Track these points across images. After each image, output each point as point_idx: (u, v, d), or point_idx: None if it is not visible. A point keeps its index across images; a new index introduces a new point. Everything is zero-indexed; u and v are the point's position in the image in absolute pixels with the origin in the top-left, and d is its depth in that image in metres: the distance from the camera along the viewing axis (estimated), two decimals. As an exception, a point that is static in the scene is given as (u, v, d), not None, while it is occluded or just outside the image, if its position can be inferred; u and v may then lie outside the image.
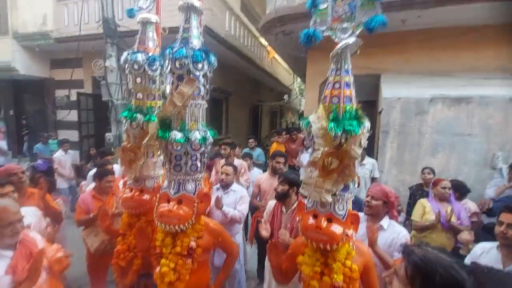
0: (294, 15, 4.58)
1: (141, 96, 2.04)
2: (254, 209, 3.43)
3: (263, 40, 9.90)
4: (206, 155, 1.78)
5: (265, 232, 2.04)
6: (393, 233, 1.95)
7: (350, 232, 1.40)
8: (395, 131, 4.17)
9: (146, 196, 2.03)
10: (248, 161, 4.24)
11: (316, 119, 1.38)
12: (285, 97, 12.83)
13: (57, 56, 7.69)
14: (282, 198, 2.31)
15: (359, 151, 1.32)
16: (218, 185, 2.98)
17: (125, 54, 2.00)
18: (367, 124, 1.33)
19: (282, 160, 3.31)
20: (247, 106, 11.24)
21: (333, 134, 1.30)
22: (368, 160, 4.05)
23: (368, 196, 2.04)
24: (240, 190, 2.96)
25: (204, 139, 1.66)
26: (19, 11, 7.06)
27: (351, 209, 1.45)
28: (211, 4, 5.99)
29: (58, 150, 5.78)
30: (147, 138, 1.77)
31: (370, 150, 4.48)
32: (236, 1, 8.01)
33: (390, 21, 1.25)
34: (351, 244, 1.46)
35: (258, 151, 5.67)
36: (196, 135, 1.63)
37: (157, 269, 1.68)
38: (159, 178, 2.17)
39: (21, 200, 2.41)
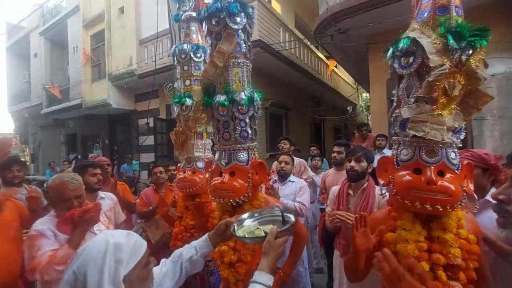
0: (348, 10, 4.38)
1: (188, 83, 2.18)
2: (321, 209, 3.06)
3: (321, 55, 9.85)
4: (256, 121, 1.65)
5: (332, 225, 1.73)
6: None
7: (469, 190, 1.02)
8: (493, 116, 3.34)
9: (199, 177, 2.05)
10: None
11: (420, 34, 1.04)
12: (349, 108, 12.05)
13: (139, 91, 9.05)
14: (361, 176, 1.93)
15: (486, 69, 0.99)
16: (276, 177, 2.77)
17: (173, 47, 2.25)
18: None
19: (341, 149, 2.90)
20: (308, 122, 10.94)
21: (455, 47, 0.97)
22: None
23: None
24: (299, 181, 2.69)
25: (251, 99, 1.52)
26: (113, 57, 8.68)
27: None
28: (265, 21, 6.25)
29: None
30: (193, 109, 1.75)
31: (464, 142, 3.66)
32: (290, 19, 8.25)
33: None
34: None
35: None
36: (242, 96, 1.50)
37: (216, 248, 1.53)
38: None
39: (104, 187, 2.70)
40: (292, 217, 1.12)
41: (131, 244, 0.82)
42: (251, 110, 1.55)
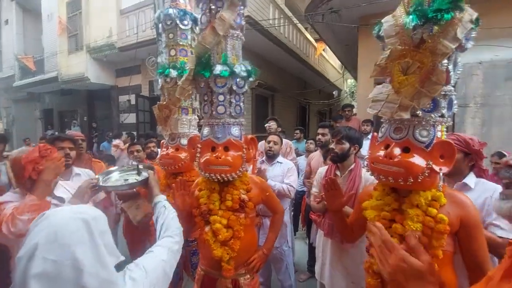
0: (342, -13, 4.23)
1: (174, 53, 2.05)
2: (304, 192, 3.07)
3: (310, 37, 9.66)
4: (244, 96, 1.58)
5: (321, 205, 1.73)
6: (485, 191, 1.41)
7: (438, 167, 1.00)
8: (476, 103, 3.41)
9: (182, 154, 1.95)
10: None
11: (391, 18, 1.05)
12: (334, 92, 12.08)
13: (120, 65, 8.58)
14: (341, 159, 1.91)
15: (452, 44, 0.93)
16: (263, 158, 2.72)
17: (158, 12, 2.08)
18: (467, 10, 0.93)
19: (325, 131, 2.86)
20: (294, 106, 10.90)
21: (410, 27, 0.96)
22: None
23: None
24: (287, 163, 2.65)
25: (249, 73, 1.47)
26: (91, 27, 8.11)
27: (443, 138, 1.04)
28: (255, -4, 5.97)
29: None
30: (182, 79, 1.62)
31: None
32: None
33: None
34: (439, 186, 1.05)
35: (304, 143, 5.26)
36: (242, 68, 1.45)
37: (206, 228, 1.47)
38: None
39: (79, 163, 2.58)
40: (145, 172, 1.48)
41: (102, 214, 0.78)
42: (246, 85, 1.50)
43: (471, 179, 1.50)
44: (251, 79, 1.52)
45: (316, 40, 9.63)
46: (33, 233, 0.67)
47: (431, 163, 0.99)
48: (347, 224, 1.44)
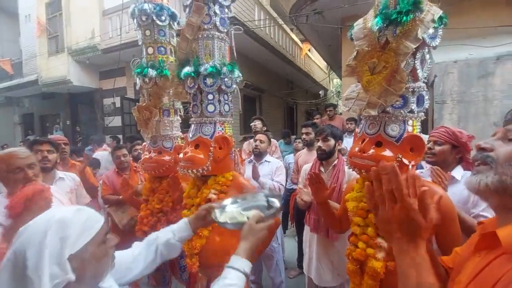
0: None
1: (151, 51, 1.95)
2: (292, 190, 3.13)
3: (295, 38, 9.78)
4: (229, 97, 1.61)
5: (307, 196, 1.77)
6: None
7: (407, 161, 1.06)
8: (453, 100, 3.57)
9: (166, 157, 1.93)
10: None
11: (361, 21, 1.13)
12: (321, 92, 12.29)
13: (104, 68, 8.39)
14: (328, 155, 1.99)
15: (413, 44, 1.00)
16: (251, 158, 2.76)
17: (132, 6, 1.94)
18: (429, 9, 1.00)
19: (309, 130, 2.94)
20: (281, 106, 11.00)
21: (375, 29, 1.03)
22: None
23: (430, 141, 1.63)
24: (275, 161, 2.71)
25: (216, 70, 1.47)
26: (72, 28, 7.90)
27: (415, 132, 1.11)
28: (240, -3, 6.00)
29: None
30: (170, 82, 1.66)
31: (425, 125, 3.89)
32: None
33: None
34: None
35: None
36: (206, 66, 1.46)
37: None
38: (178, 140, 2.06)
39: (64, 168, 2.56)
40: (276, 202, 1.09)
41: (81, 220, 0.73)
42: (218, 83, 1.51)
43: (458, 171, 1.56)
44: (223, 75, 1.51)
45: (302, 41, 9.76)
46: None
47: (400, 156, 1.05)
48: (334, 215, 1.54)
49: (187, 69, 1.49)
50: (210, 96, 1.51)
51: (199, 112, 1.54)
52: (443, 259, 0.86)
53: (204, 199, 1.48)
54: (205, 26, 1.49)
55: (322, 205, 1.54)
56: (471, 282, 0.61)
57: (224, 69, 1.51)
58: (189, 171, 1.46)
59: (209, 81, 1.48)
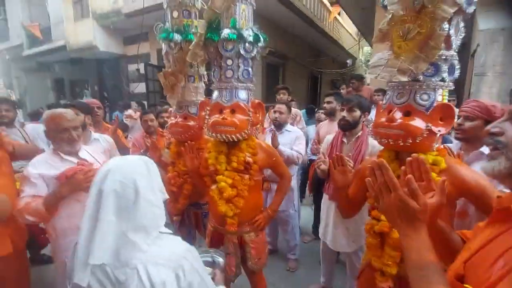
0: None
1: (176, 14, 1.91)
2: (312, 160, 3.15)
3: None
4: (254, 62, 1.61)
5: (323, 165, 1.78)
6: None
7: (437, 129, 1.03)
8: (495, 73, 3.27)
9: (191, 123, 1.98)
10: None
11: None
12: (348, 61, 11.63)
13: (128, 33, 8.39)
14: (352, 126, 1.96)
15: (451, 8, 0.95)
16: (271, 127, 2.77)
17: None
18: None
19: (331, 99, 2.87)
20: (306, 75, 10.61)
21: None
22: None
23: (460, 117, 1.55)
24: (295, 131, 2.71)
25: (257, 37, 1.49)
26: (96, -7, 7.83)
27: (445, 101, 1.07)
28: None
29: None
30: (192, 44, 1.64)
31: (460, 99, 3.65)
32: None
33: None
34: (434, 148, 1.09)
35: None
36: (249, 32, 1.48)
37: (213, 186, 1.61)
38: None
39: (98, 131, 2.73)
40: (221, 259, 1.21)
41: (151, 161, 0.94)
42: (255, 49, 1.53)
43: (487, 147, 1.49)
44: (260, 44, 1.55)
45: (331, 3, 9.09)
46: (106, 164, 0.88)
47: (430, 125, 1.04)
48: (349, 201, 1.41)
49: (229, 31, 1.44)
50: (246, 62, 1.54)
51: (235, 76, 1.54)
52: (463, 232, 0.88)
53: (241, 162, 1.55)
54: None
55: (341, 189, 1.38)
56: (479, 250, 0.64)
57: (261, 37, 1.54)
58: (232, 136, 1.50)
59: (249, 46, 1.49)
